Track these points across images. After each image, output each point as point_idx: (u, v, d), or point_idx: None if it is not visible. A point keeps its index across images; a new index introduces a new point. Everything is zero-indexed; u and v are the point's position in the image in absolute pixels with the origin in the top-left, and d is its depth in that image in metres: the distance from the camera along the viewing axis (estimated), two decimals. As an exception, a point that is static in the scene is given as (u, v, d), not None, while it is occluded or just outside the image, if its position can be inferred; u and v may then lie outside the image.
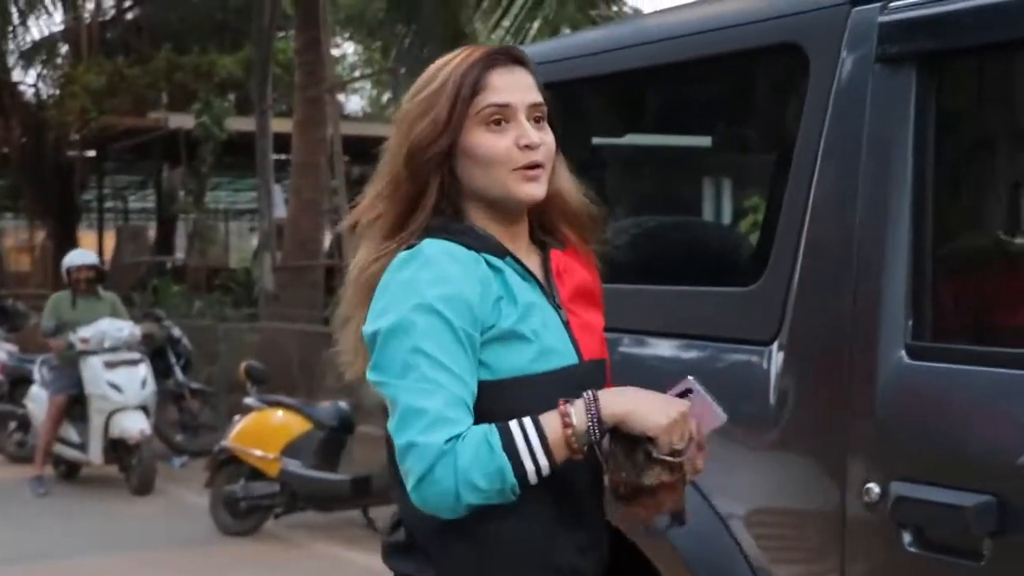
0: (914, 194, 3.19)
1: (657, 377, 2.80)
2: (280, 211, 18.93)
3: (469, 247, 2.63)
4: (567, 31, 14.36)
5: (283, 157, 18.24)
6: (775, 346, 3.43)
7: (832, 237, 3.35)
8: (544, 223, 2.80)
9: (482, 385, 2.55)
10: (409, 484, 2.48)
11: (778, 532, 3.44)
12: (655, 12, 4.87)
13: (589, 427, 2.46)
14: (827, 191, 3.36)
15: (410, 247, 2.61)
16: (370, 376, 2.58)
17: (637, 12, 16.50)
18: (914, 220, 3.18)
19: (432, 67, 2.76)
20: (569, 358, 2.66)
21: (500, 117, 2.63)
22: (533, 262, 2.75)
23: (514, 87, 2.65)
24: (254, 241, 20.22)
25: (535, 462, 2.44)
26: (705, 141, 4.91)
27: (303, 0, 16.67)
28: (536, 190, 2.65)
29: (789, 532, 3.41)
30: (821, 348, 3.35)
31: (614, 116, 4.72)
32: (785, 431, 3.40)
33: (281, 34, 19.92)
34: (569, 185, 2.79)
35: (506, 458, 2.43)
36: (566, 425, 2.46)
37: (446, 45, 16.47)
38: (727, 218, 5.05)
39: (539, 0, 16.01)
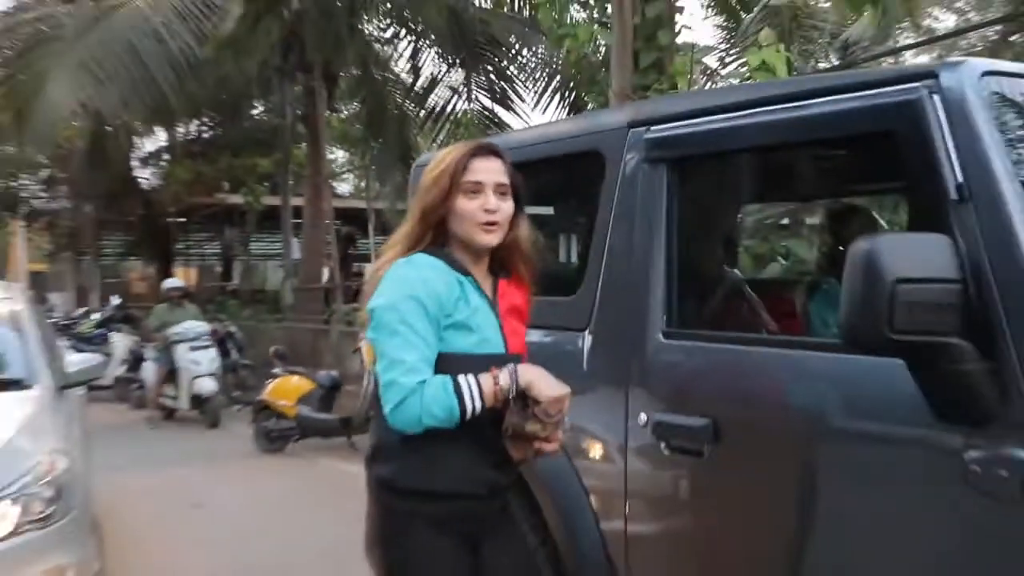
0: (666, 243, 3.19)
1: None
2: (296, 254, 18.69)
3: (445, 263, 2.62)
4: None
5: (298, 221, 18.02)
6: (586, 332, 3.41)
7: (619, 268, 3.32)
8: (504, 259, 2.75)
9: (439, 355, 2.55)
10: (387, 409, 2.48)
11: (589, 447, 3.38)
12: (520, 129, 4.83)
13: (510, 386, 2.50)
14: (616, 241, 3.34)
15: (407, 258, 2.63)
16: (368, 335, 2.58)
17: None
18: (667, 259, 3.19)
19: (440, 154, 2.74)
20: (499, 348, 2.65)
21: (475, 190, 2.62)
22: (487, 284, 2.72)
23: (487, 171, 2.64)
24: (281, 273, 19.94)
25: (473, 404, 2.48)
26: (549, 209, 4.89)
27: (310, 125, 16.51)
28: (491, 239, 2.64)
29: (596, 446, 3.36)
30: (613, 333, 3.33)
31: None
32: (593, 384, 3.36)
33: (297, 145, 19.58)
34: (525, 235, 2.76)
35: (455, 399, 2.46)
36: (496, 383, 2.49)
37: (399, 152, 16.57)
38: (563, 256, 5.00)
39: (455, 129, 15.95)
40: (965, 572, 2.37)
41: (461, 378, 2.49)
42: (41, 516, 4.04)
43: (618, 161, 3.37)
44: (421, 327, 2.52)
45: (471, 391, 2.49)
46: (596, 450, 3.38)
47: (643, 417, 3.12)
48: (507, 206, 2.67)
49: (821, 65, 12.98)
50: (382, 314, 2.54)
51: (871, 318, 2.16)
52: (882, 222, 4.41)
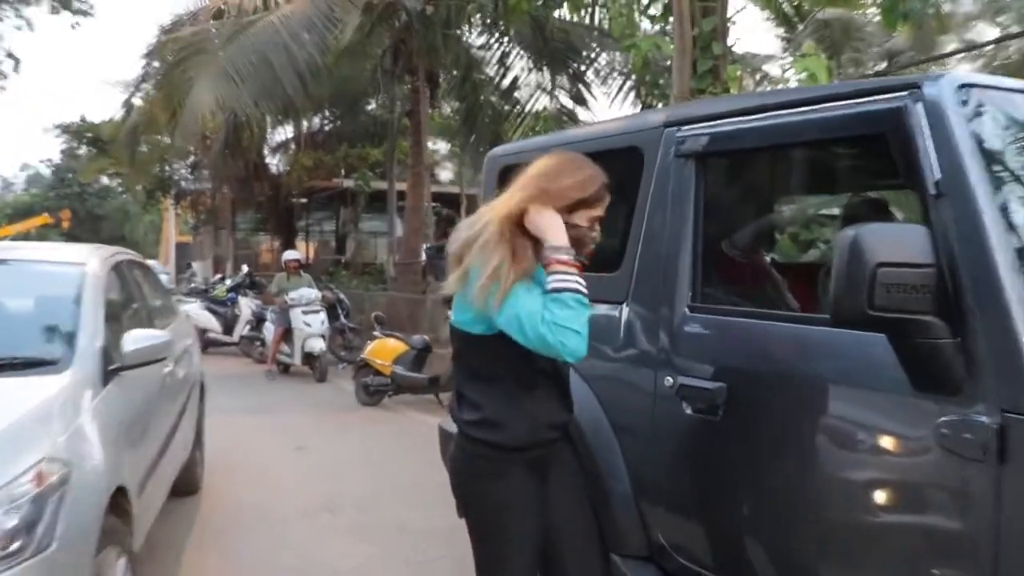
0: (693, 228, 3.20)
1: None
2: (398, 233, 18.91)
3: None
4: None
5: (401, 204, 18.25)
6: (624, 304, 3.44)
7: (653, 249, 3.33)
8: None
9: None
10: (569, 348, 2.41)
11: (622, 403, 3.41)
12: (575, 128, 4.81)
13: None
14: (651, 225, 3.36)
15: None
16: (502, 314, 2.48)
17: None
18: (693, 241, 3.19)
19: (580, 159, 2.65)
20: None
21: (590, 220, 2.64)
22: None
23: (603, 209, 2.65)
24: (386, 249, 20.22)
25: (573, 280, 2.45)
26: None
27: (412, 119, 16.66)
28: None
29: (629, 403, 3.38)
30: (646, 305, 3.34)
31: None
32: (628, 350, 3.38)
33: (402, 137, 19.79)
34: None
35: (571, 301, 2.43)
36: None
37: (490, 143, 16.61)
38: (609, 237, 4.96)
39: (533, 125, 15.96)
40: (937, 517, 2.38)
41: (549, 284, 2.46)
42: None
43: (654, 156, 3.39)
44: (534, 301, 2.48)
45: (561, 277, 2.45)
46: (629, 407, 3.39)
47: (669, 380, 3.14)
48: (595, 233, 2.69)
49: (869, 72, 12.69)
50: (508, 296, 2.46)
51: (854, 296, 2.17)
52: (898, 214, 4.33)
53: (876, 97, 2.54)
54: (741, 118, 3.07)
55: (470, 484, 2.70)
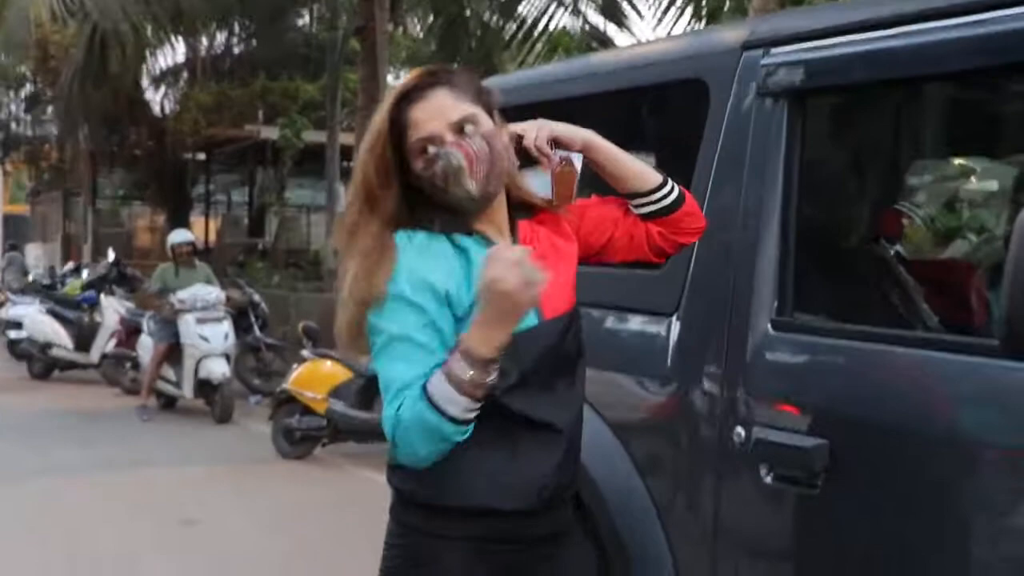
0: (783, 204, 3.17)
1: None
2: (343, 205, 18.96)
3: (432, 234, 2.52)
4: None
5: (347, 163, 18.27)
6: (674, 318, 3.42)
7: (720, 235, 3.27)
8: (513, 193, 2.65)
9: None
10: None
11: (670, 469, 3.42)
12: (607, 52, 4.82)
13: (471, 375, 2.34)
14: (717, 198, 3.33)
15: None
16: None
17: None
18: (782, 225, 3.17)
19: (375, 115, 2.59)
20: (529, 321, 2.48)
21: (432, 143, 2.50)
22: (505, 235, 2.61)
23: (434, 114, 2.49)
24: (324, 229, 20.30)
25: (454, 405, 2.35)
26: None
27: (366, 41, 16.64)
28: (473, 187, 2.48)
29: (679, 469, 3.38)
30: (707, 320, 3.33)
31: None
32: (678, 387, 3.39)
33: (349, 67, 19.83)
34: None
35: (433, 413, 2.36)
36: (461, 354, 2.34)
37: (481, 77, 16.46)
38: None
39: (552, 48, 15.96)
40: None
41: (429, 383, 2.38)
42: None
43: (726, 94, 3.37)
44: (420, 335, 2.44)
45: (442, 388, 2.35)
46: (680, 474, 3.40)
47: (740, 433, 3.13)
48: (479, 139, 2.51)
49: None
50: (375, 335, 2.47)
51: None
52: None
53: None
54: (859, 35, 3.03)
55: None
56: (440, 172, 2.46)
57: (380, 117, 2.52)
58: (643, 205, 2.77)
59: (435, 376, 2.36)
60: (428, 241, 2.51)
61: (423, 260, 2.47)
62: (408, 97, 2.52)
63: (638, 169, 2.75)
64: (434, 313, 2.44)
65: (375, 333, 2.46)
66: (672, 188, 2.76)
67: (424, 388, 2.35)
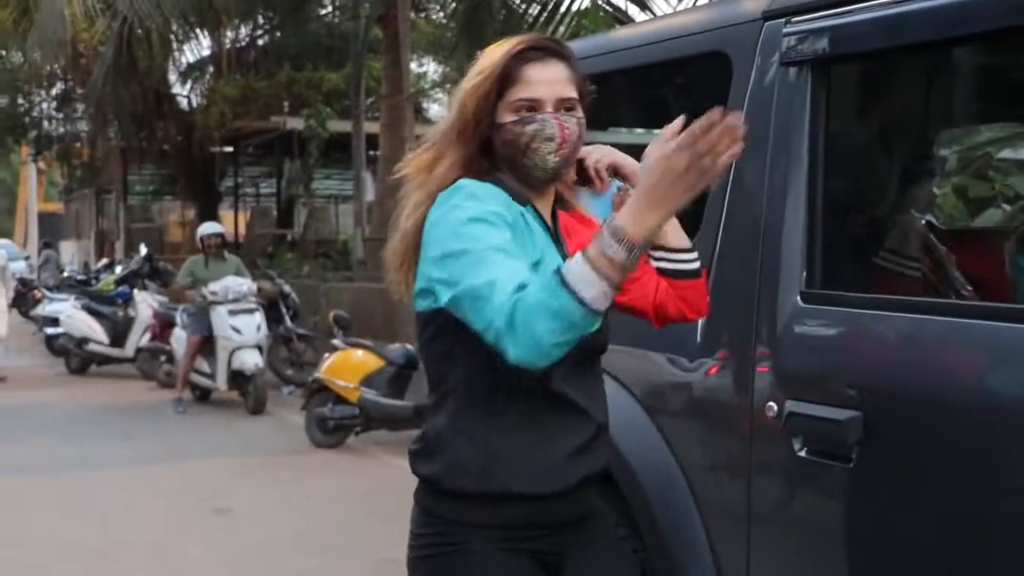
0: (809, 174, 3.14)
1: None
2: (371, 195, 18.97)
3: (502, 190, 2.54)
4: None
5: (373, 152, 18.29)
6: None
7: (746, 207, 3.29)
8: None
9: None
10: (509, 353, 2.21)
11: (703, 445, 3.40)
12: (627, 27, 4.78)
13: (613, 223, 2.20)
14: (743, 171, 3.29)
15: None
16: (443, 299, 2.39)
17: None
18: (809, 195, 3.13)
19: (482, 58, 2.61)
20: None
21: (531, 107, 2.53)
22: (548, 219, 2.66)
23: (547, 81, 2.54)
24: (352, 219, 20.32)
25: (589, 286, 2.17)
26: (658, 129, 4.82)
27: (388, 29, 16.63)
28: (556, 163, 2.56)
29: (711, 444, 3.36)
30: (736, 293, 3.29)
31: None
32: (707, 363, 3.37)
33: (373, 55, 19.83)
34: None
35: (564, 292, 2.18)
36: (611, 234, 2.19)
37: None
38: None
39: (576, 32, 15.88)
40: None
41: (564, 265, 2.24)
42: None
43: (748, 64, 3.34)
44: (501, 241, 2.35)
45: (579, 269, 2.18)
46: (712, 450, 3.38)
47: (772, 407, 3.09)
48: (575, 123, 2.56)
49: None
50: (443, 260, 2.38)
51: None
52: None
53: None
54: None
55: (420, 567, 2.69)
56: (531, 133, 2.52)
57: (492, 62, 2.56)
58: (668, 260, 2.79)
59: (569, 260, 2.22)
60: (496, 189, 2.54)
61: (495, 199, 2.49)
62: (524, 55, 2.55)
63: (677, 225, 2.76)
64: (512, 239, 2.41)
65: (456, 257, 2.34)
66: (697, 257, 2.81)
67: (557, 271, 2.20)
